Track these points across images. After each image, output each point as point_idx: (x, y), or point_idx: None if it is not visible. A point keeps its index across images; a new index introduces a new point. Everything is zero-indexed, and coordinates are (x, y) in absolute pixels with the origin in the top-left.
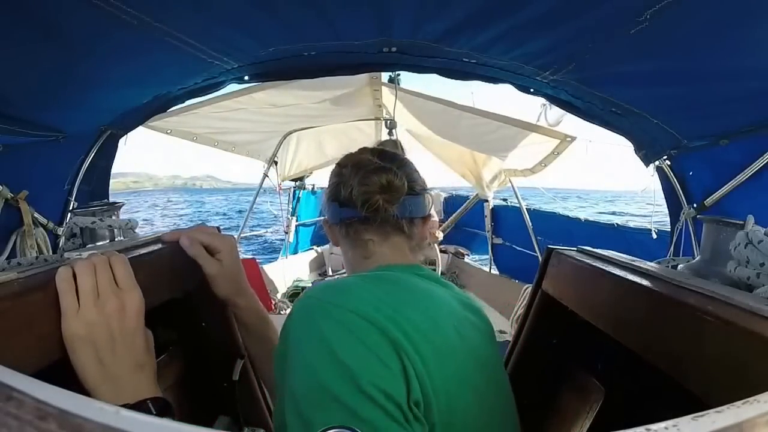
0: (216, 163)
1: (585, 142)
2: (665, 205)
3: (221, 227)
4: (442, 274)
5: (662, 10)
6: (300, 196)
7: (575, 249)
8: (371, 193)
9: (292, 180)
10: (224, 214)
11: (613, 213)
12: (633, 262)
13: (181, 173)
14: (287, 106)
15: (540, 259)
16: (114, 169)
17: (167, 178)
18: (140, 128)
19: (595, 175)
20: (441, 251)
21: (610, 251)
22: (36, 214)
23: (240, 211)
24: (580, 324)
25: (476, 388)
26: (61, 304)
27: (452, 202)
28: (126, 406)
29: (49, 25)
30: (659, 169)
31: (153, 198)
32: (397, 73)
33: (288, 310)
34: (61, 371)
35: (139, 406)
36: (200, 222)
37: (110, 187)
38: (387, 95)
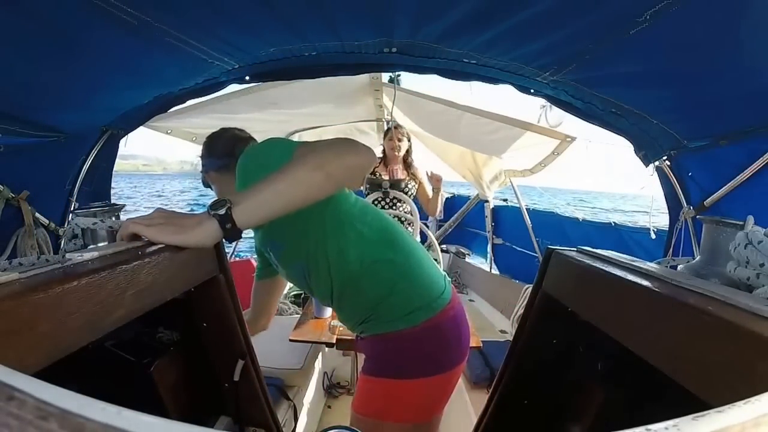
0: None
1: (585, 142)
2: (664, 205)
3: None
4: None
5: (662, 10)
6: None
7: (575, 249)
8: None
9: None
10: None
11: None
12: (633, 263)
13: (190, 159)
14: (288, 106)
15: (540, 260)
16: (125, 151)
17: (176, 164)
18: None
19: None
20: (442, 251)
21: (610, 251)
22: (37, 215)
23: None
24: (580, 324)
25: None
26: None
27: (453, 203)
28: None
29: (51, 26)
30: (659, 170)
31: (161, 184)
32: (397, 73)
33: (288, 311)
34: (63, 371)
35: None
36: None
37: (120, 168)
38: (387, 96)
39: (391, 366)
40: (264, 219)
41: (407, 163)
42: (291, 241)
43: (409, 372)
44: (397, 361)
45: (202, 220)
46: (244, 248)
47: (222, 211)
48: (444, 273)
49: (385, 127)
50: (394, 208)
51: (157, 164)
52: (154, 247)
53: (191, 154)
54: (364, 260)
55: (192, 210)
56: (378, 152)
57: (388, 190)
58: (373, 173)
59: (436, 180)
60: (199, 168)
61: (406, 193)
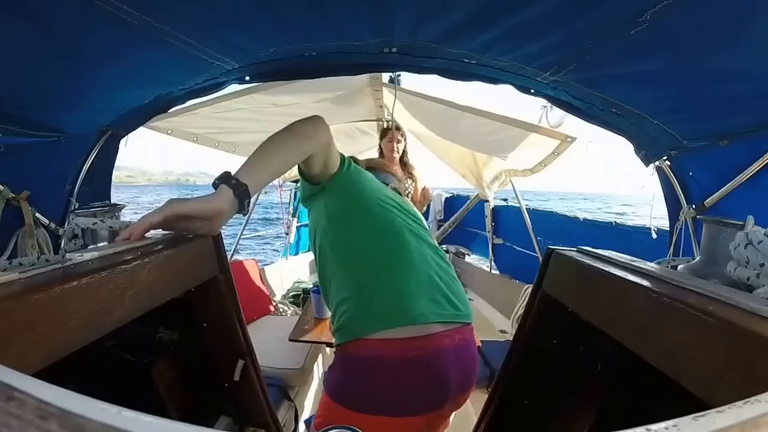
0: (210, 159)
1: (585, 142)
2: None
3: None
4: None
5: (662, 10)
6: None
7: (575, 249)
8: None
9: (293, 181)
10: None
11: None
12: (633, 263)
13: (174, 169)
14: (288, 106)
15: (540, 260)
16: None
17: (160, 174)
18: (138, 128)
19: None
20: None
21: (610, 251)
22: (37, 215)
23: None
24: (580, 324)
25: None
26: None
27: (453, 202)
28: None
29: (51, 25)
30: (659, 170)
31: (145, 193)
32: (397, 73)
33: (288, 312)
34: (63, 371)
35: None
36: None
37: None
38: (388, 96)
39: (327, 379)
40: (264, 175)
41: (404, 162)
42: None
43: (330, 389)
44: (329, 374)
45: (214, 192)
46: (244, 248)
47: (227, 178)
48: (441, 302)
49: (384, 127)
50: None
51: (141, 175)
52: (154, 248)
53: (176, 164)
54: (325, 270)
55: None
56: (375, 153)
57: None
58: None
59: (425, 196)
60: (184, 179)
61: (404, 192)
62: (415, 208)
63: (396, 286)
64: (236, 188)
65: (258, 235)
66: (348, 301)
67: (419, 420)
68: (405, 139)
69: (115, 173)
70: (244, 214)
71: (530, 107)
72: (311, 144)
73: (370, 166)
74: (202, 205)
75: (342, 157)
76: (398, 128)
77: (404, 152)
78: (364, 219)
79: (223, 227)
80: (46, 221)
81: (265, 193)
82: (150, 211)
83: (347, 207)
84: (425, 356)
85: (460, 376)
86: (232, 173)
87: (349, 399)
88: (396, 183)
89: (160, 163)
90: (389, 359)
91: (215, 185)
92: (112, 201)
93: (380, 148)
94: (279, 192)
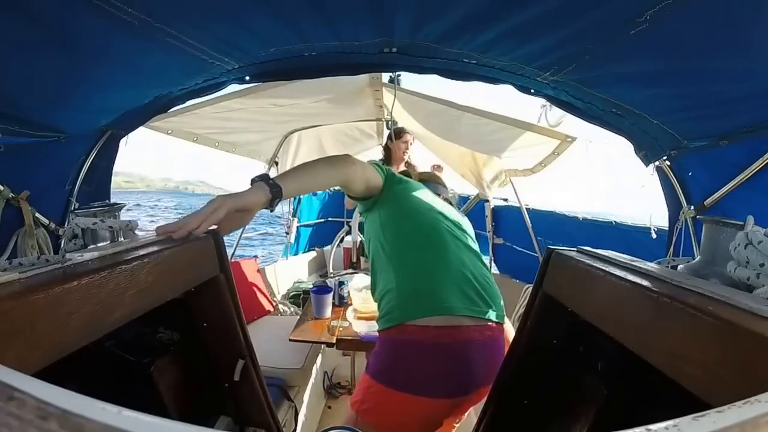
0: (209, 168)
1: (585, 142)
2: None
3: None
4: None
5: (662, 10)
6: (301, 197)
7: (575, 249)
8: None
9: None
10: None
11: None
12: (633, 263)
13: (173, 176)
14: (288, 106)
15: (540, 260)
16: None
17: (159, 181)
18: (138, 129)
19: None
20: None
21: (610, 251)
22: (37, 215)
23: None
24: (580, 324)
25: None
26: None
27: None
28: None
29: (51, 25)
30: (659, 170)
31: (145, 200)
32: (397, 73)
33: (288, 312)
34: (63, 371)
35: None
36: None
37: None
38: (387, 96)
39: (369, 363)
40: (295, 185)
41: (408, 164)
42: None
43: (370, 370)
44: (371, 359)
45: (252, 187)
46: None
47: (266, 178)
48: (477, 299)
49: (385, 127)
50: None
51: (140, 181)
52: (154, 248)
53: (175, 172)
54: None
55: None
56: (380, 151)
57: None
58: None
59: (437, 168)
60: (183, 187)
61: None
62: (460, 216)
63: (432, 281)
64: (273, 187)
65: (260, 234)
66: (392, 291)
67: (443, 403)
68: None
69: (113, 179)
70: (271, 211)
71: (530, 107)
72: (335, 173)
73: (423, 178)
74: (252, 197)
75: (385, 175)
76: (407, 131)
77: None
78: (410, 224)
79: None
80: (46, 221)
81: None
82: (190, 212)
83: (395, 214)
84: (455, 345)
85: (486, 369)
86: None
87: (387, 377)
88: (447, 193)
89: (159, 169)
90: (425, 343)
91: (253, 182)
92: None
93: (387, 148)
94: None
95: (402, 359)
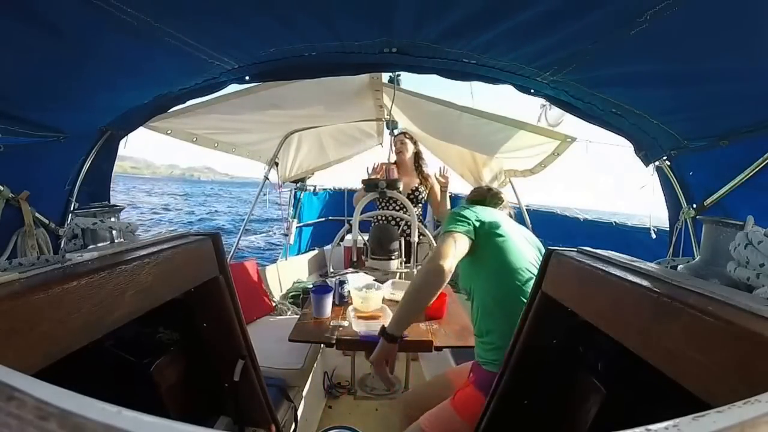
0: (214, 155)
1: (585, 142)
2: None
3: (224, 227)
4: None
5: (662, 10)
6: (301, 197)
7: (575, 249)
8: None
9: (293, 181)
10: (226, 213)
11: None
12: (633, 263)
13: (179, 163)
14: (288, 107)
15: (540, 260)
16: None
17: (165, 167)
18: (137, 129)
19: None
20: None
21: (610, 251)
22: (37, 215)
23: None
24: (580, 324)
25: None
26: None
27: (452, 202)
28: None
29: (50, 25)
30: (659, 170)
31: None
32: (397, 73)
33: (288, 312)
34: (63, 371)
35: None
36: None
37: None
38: (387, 96)
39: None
40: (402, 326)
41: (419, 169)
42: None
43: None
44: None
45: (380, 342)
46: (243, 248)
47: (384, 332)
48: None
49: (385, 127)
50: (388, 208)
51: (146, 167)
52: (154, 248)
53: (180, 158)
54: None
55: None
56: (380, 151)
57: (385, 190)
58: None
59: (443, 177)
60: (188, 174)
61: (416, 198)
62: (536, 246)
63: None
64: (389, 339)
65: (261, 233)
66: (493, 333)
67: None
68: (416, 144)
69: (120, 164)
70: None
71: (530, 106)
72: (439, 289)
73: (491, 199)
74: (386, 353)
75: (474, 235)
76: (405, 133)
77: (420, 157)
78: (510, 280)
79: (222, 228)
80: (45, 221)
81: (264, 194)
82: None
83: (495, 272)
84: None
85: None
86: (386, 328)
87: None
88: (510, 209)
89: (164, 156)
90: None
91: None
92: (119, 191)
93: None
94: (278, 193)
95: None
